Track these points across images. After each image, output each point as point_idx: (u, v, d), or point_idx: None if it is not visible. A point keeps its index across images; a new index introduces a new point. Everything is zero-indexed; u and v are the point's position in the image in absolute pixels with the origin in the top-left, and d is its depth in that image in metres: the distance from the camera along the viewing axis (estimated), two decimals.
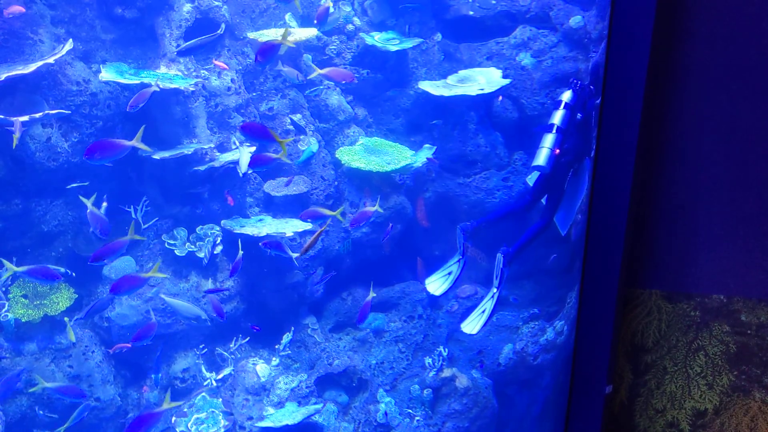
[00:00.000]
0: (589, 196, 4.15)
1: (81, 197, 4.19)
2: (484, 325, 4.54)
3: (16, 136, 4.09)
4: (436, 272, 4.73)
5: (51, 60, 4.36)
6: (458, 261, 4.64)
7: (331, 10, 5.20)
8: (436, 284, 4.70)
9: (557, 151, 4.24)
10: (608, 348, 4.09)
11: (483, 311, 4.59)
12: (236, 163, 4.80)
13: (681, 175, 3.96)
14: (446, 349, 5.07)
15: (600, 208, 4.07)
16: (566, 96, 4.29)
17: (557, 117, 4.27)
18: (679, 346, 4.13)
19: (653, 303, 4.13)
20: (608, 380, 4.17)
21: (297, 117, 5.09)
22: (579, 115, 4.29)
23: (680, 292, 4.07)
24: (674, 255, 4.05)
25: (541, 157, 4.27)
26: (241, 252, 4.47)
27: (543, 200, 4.64)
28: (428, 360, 5.04)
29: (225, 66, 4.57)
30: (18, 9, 4.30)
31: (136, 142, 3.90)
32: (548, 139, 4.26)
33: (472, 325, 4.59)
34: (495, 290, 4.51)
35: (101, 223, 4.16)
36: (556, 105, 4.31)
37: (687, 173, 3.96)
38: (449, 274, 4.70)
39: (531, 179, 4.79)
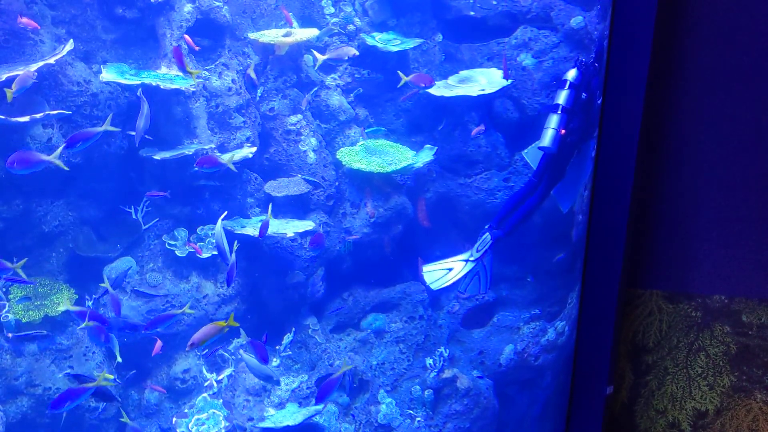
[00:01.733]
0: (590, 195, 4.14)
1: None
2: (448, 289, 4.52)
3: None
4: (437, 262, 4.70)
5: (52, 60, 4.36)
6: (470, 261, 4.59)
7: (332, 10, 5.20)
8: (433, 275, 4.66)
9: (563, 131, 4.21)
10: (609, 348, 4.09)
11: (450, 269, 4.55)
12: (237, 163, 4.81)
13: (682, 175, 3.96)
14: (447, 350, 5.07)
15: (601, 209, 4.07)
16: (571, 75, 4.26)
17: (562, 97, 4.24)
18: (680, 346, 4.12)
19: (654, 303, 4.13)
20: (609, 381, 4.17)
21: (297, 117, 5.09)
22: (584, 95, 4.25)
23: (681, 292, 4.07)
24: (675, 255, 4.05)
25: (547, 138, 4.25)
26: (233, 258, 4.43)
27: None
28: (429, 361, 5.04)
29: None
30: (31, 24, 4.31)
31: (53, 159, 4.03)
32: (553, 120, 4.23)
33: (431, 277, 4.57)
34: (472, 260, 4.48)
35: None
36: (561, 84, 4.28)
37: (688, 174, 3.96)
38: (449, 270, 4.66)
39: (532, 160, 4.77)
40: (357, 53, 4.97)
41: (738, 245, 3.93)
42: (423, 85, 4.93)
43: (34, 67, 4.29)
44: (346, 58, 4.97)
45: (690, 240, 4.01)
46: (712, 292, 4.01)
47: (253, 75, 4.78)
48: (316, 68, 4.94)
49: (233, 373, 4.90)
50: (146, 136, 4.36)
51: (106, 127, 4.11)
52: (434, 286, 4.61)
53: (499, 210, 4.71)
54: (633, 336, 4.20)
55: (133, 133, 4.32)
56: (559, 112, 4.23)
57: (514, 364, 5.00)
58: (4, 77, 4.20)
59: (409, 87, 4.90)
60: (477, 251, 4.55)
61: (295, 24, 5.14)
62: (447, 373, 4.99)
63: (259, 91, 4.88)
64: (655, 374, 4.21)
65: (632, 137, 3.86)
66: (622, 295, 4.13)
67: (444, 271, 4.64)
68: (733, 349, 4.02)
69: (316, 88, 5.06)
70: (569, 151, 4.38)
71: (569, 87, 4.24)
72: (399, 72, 4.83)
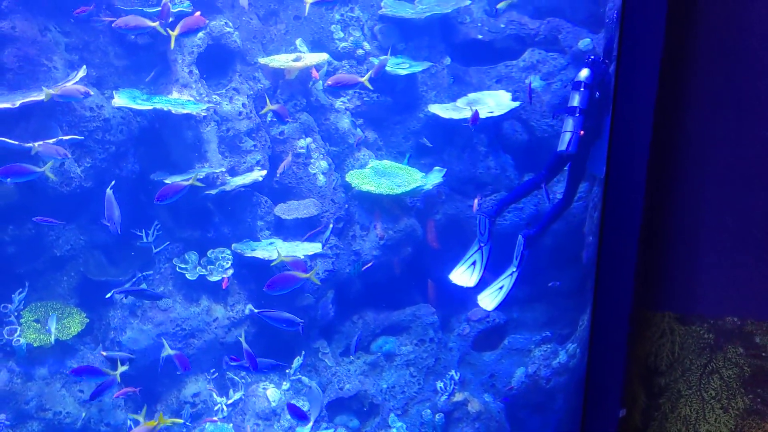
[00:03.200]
0: (600, 217, 4.13)
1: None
2: (501, 303, 4.50)
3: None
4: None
5: (66, 86, 4.42)
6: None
7: (342, 35, 5.25)
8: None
9: (581, 132, 4.22)
10: (621, 371, 4.04)
11: (501, 287, 4.54)
12: (247, 186, 4.83)
13: (693, 195, 3.94)
14: (458, 373, 5.04)
15: (611, 230, 4.05)
16: (584, 75, 4.24)
17: (577, 99, 4.23)
18: (693, 368, 4.07)
19: (666, 325, 4.09)
20: (622, 404, 4.12)
21: (308, 141, 5.12)
22: (597, 94, 4.24)
23: (693, 314, 4.03)
24: (686, 277, 4.02)
25: (565, 142, 4.24)
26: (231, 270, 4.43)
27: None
28: (440, 384, 5.00)
29: None
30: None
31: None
32: (570, 123, 4.23)
33: (488, 300, 4.54)
34: (514, 269, 4.47)
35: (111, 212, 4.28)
36: (576, 86, 4.25)
37: (699, 194, 3.94)
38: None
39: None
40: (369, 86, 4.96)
41: (750, 267, 3.89)
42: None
43: (79, 85, 4.40)
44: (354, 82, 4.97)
45: (702, 261, 3.98)
46: (725, 313, 3.97)
47: (274, 107, 4.82)
48: (322, 88, 4.97)
49: (243, 397, 4.89)
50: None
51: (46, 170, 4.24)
52: (492, 307, 4.59)
53: (499, 200, 4.75)
54: (645, 358, 4.16)
55: (108, 224, 4.30)
56: (577, 114, 4.23)
57: (525, 387, 4.96)
58: (18, 103, 4.26)
59: None
60: (516, 259, 4.57)
61: (304, 49, 5.20)
62: (458, 397, 4.96)
63: (268, 111, 4.90)
64: (668, 397, 4.16)
65: (642, 158, 3.85)
66: (634, 316, 4.09)
67: (497, 291, 4.64)
68: (747, 372, 3.97)
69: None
70: (587, 151, 4.38)
71: (584, 87, 4.23)
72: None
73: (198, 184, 4.49)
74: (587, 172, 4.51)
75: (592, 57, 4.29)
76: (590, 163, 4.47)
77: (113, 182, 4.41)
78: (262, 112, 4.91)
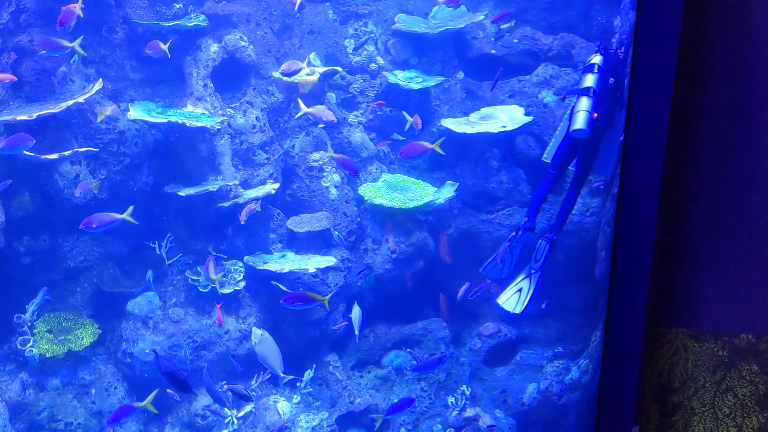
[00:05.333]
0: (614, 233, 4.11)
1: None
2: (527, 306, 4.36)
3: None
4: (505, 290, 4.56)
5: (81, 99, 4.47)
6: (531, 274, 4.40)
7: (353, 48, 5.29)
8: (512, 301, 4.51)
9: (595, 114, 4.01)
10: (634, 387, 4.01)
11: (519, 290, 4.42)
12: (260, 199, 4.85)
13: (706, 212, 3.92)
14: (469, 388, 5.01)
15: (625, 246, 4.03)
16: (597, 59, 4.11)
17: (591, 80, 4.07)
18: (707, 386, 4.03)
19: (679, 342, 4.05)
20: (634, 421, 4.09)
21: (320, 154, 5.14)
22: (611, 80, 4.07)
23: (707, 330, 4.00)
24: (700, 293, 3.99)
25: (580, 121, 4.02)
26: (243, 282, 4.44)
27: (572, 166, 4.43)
28: (451, 399, 4.98)
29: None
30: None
31: None
32: (585, 103, 4.03)
33: (511, 302, 4.40)
34: (533, 270, 4.35)
35: None
36: (589, 69, 4.11)
37: (713, 209, 3.92)
38: (520, 290, 4.52)
39: (547, 156, 4.58)
40: (334, 120, 4.91)
41: (765, 284, 3.86)
42: (326, 120, 4.86)
43: (63, 105, 4.41)
44: (325, 120, 4.88)
45: (716, 278, 3.95)
46: (739, 330, 3.93)
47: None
48: (335, 102, 4.96)
49: (254, 410, 4.88)
50: None
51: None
52: (518, 310, 4.46)
53: (530, 207, 4.53)
54: (658, 375, 4.12)
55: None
56: (591, 95, 4.02)
57: (537, 403, 4.93)
58: (35, 115, 4.31)
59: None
60: (536, 261, 4.40)
61: (318, 63, 5.23)
62: (469, 412, 4.93)
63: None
64: (682, 415, 4.11)
65: (655, 172, 3.83)
66: (647, 333, 4.06)
67: (516, 294, 4.52)
68: (762, 390, 3.92)
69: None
70: (599, 136, 4.17)
71: (598, 70, 4.07)
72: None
73: (131, 220, 4.34)
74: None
75: (603, 44, 4.16)
76: (598, 158, 4.29)
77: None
78: (297, 115, 4.96)
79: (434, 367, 4.88)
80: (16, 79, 4.40)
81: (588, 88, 4.08)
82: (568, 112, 4.26)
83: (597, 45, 4.26)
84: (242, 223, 4.73)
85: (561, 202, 4.50)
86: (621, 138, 3.86)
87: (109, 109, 4.52)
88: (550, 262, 4.50)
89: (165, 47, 4.54)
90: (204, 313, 4.89)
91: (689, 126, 3.86)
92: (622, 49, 4.16)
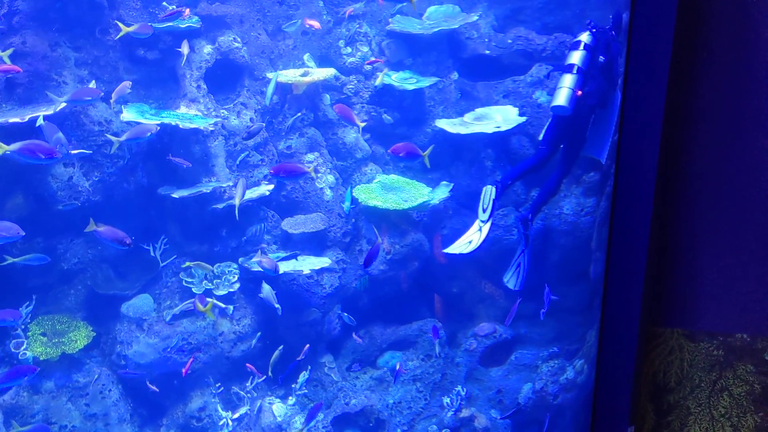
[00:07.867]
0: (608, 232, 4.11)
1: None
2: (522, 281, 4.32)
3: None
4: (456, 241, 4.47)
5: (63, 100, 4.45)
6: (483, 222, 4.29)
7: (349, 50, 5.28)
8: (459, 248, 4.41)
9: (579, 92, 3.92)
10: (629, 387, 4.01)
11: (470, 241, 4.31)
12: (254, 201, 4.84)
13: (702, 211, 3.93)
14: (465, 389, 5.01)
15: (619, 245, 4.03)
16: (584, 37, 4.01)
17: (576, 57, 3.98)
18: (703, 386, 4.04)
19: (675, 342, 4.06)
20: (630, 421, 4.09)
21: (315, 155, 5.13)
22: (602, 58, 3.98)
23: (702, 330, 4.00)
24: (695, 293, 3.99)
25: (561, 97, 3.94)
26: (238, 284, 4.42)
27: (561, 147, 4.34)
28: (446, 400, 4.97)
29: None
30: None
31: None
32: (568, 79, 3.94)
33: (457, 248, 4.32)
34: (483, 221, 4.22)
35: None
36: (575, 46, 4.03)
37: (708, 210, 3.92)
38: (518, 266, 4.45)
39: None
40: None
41: (760, 283, 3.87)
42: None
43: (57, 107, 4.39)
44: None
45: (711, 278, 3.95)
46: (734, 330, 3.94)
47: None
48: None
49: (248, 412, 4.87)
50: None
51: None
52: (465, 250, 4.33)
53: (507, 172, 4.43)
54: (654, 375, 4.13)
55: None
56: (575, 72, 3.94)
57: (532, 404, 4.93)
58: (27, 118, 4.29)
59: None
60: (483, 211, 4.27)
61: (312, 64, 5.22)
62: (465, 413, 4.92)
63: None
64: (677, 414, 4.12)
65: (650, 172, 3.84)
66: (643, 333, 4.06)
67: (465, 244, 4.44)
68: (757, 389, 3.93)
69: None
70: (587, 116, 4.07)
71: (584, 48, 3.98)
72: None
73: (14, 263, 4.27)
74: (586, 149, 4.24)
75: (593, 23, 4.04)
76: (590, 141, 4.20)
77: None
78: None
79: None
80: (20, 70, 4.34)
81: (571, 65, 3.99)
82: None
83: (588, 23, 4.14)
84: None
85: (543, 184, 4.42)
86: (616, 119, 3.74)
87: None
88: (544, 260, 4.51)
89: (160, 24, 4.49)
90: (199, 315, 4.87)
91: (684, 125, 3.86)
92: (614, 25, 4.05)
